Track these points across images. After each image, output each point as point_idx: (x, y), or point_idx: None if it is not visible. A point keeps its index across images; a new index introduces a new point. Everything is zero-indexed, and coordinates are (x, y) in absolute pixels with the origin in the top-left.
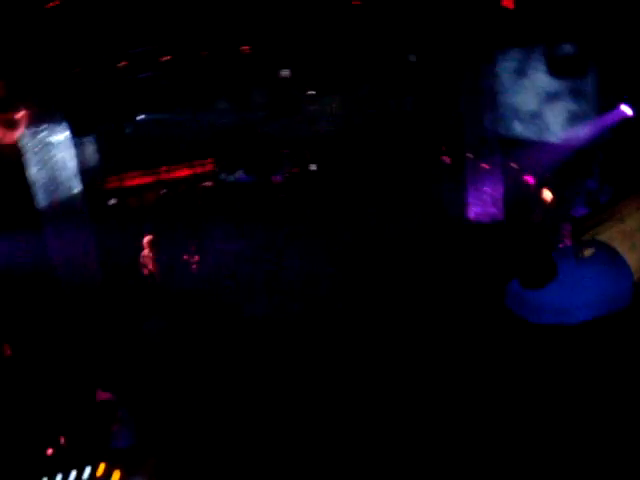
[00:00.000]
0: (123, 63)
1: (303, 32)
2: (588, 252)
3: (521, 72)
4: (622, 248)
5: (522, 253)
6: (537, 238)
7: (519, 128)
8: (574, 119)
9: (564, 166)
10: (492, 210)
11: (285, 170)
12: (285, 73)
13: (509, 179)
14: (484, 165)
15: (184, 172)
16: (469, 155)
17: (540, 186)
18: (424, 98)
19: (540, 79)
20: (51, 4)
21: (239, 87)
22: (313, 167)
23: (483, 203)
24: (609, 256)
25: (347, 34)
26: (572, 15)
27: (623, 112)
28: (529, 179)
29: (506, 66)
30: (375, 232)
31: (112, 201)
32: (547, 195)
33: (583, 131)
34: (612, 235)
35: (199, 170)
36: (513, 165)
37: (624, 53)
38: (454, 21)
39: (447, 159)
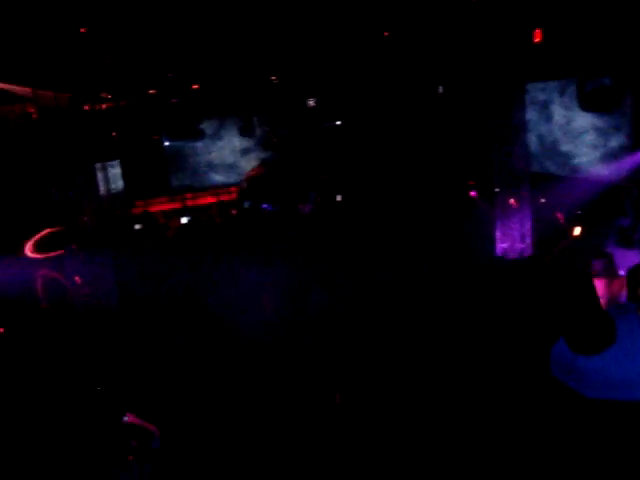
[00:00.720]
0: (152, 91)
1: (331, 62)
2: None
3: (552, 106)
4: None
5: (570, 307)
6: (585, 286)
7: (549, 163)
8: (607, 154)
9: (596, 202)
10: (520, 246)
11: (312, 200)
12: (311, 103)
13: (538, 215)
14: (512, 200)
15: (209, 199)
16: (497, 190)
17: (570, 222)
18: (452, 131)
19: (570, 113)
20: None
21: (266, 114)
22: (338, 198)
23: (511, 239)
24: None
25: (376, 64)
26: (605, 47)
27: None
28: (559, 215)
29: (537, 99)
30: (404, 269)
31: (137, 226)
32: (577, 231)
33: (617, 166)
34: None
35: (225, 198)
36: (542, 200)
37: None
38: (484, 53)
39: (475, 193)
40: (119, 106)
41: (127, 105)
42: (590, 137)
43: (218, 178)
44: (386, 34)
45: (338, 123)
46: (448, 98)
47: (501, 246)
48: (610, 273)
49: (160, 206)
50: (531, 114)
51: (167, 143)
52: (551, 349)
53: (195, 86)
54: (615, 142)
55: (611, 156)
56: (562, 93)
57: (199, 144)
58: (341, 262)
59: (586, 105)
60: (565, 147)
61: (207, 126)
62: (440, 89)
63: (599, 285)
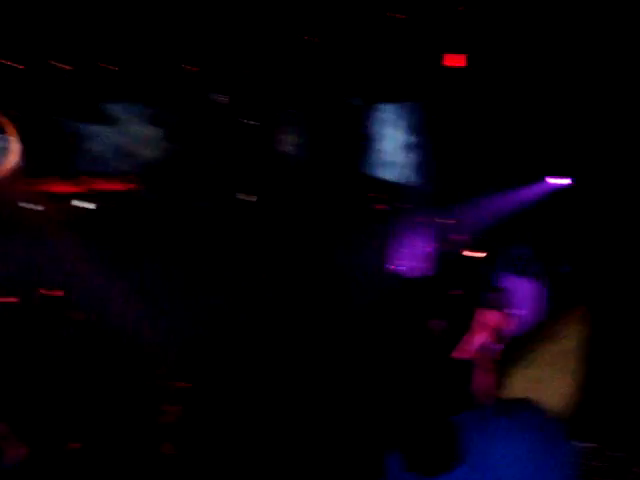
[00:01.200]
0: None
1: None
2: None
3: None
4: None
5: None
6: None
7: (453, 183)
8: (511, 180)
9: (497, 228)
10: (420, 265)
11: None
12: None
13: (440, 235)
14: (417, 218)
15: (113, 186)
16: (400, 205)
17: (470, 246)
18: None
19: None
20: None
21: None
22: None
23: (413, 257)
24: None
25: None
26: None
27: (558, 183)
28: (459, 238)
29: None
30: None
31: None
32: (476, 256)
33: (520, 194)
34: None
35: (126, 186)
36: (446, 221)
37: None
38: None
39: (378, 207)
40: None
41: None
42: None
43: (118, 165)
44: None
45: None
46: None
47: (401, 263)
48: (503, 305)
49: (57, 187)
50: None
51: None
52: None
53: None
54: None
55: (515, 182)
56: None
57: (103, 128)
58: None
59: None
60: (471, 168)
61: (113, 110)
62: (357, 101)
63: (491, 317)
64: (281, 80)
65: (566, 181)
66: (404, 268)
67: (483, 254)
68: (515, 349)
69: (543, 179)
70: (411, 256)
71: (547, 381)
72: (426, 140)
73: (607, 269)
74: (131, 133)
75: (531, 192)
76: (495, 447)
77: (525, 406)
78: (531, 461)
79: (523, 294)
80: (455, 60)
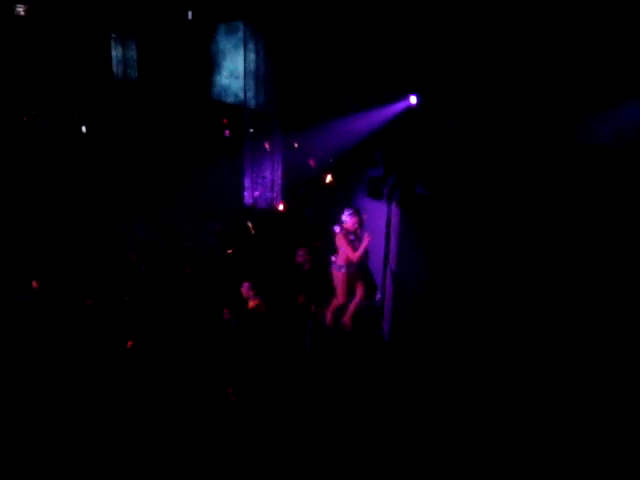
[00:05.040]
0: None
1: None
2: None
3: None
4: None
5: None
6: None
7: (300, 108)
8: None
9: (348, 152)
10: (270, 195)
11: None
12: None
13: (288, 161)
14: (265, 144)
15: None
16: (250, 130)
17: (322, 171)
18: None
19: None
20: None
21: None
22: (83, 129)
23: (262, 187)
24: None
25: None
26: None
27: (408, 102)
28: (311, 162)
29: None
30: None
31: None
32: (328, 179)
33: (369, 118)
34: None
35: None
36: (295, 145)
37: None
38: None
39: (228, 133)
40: None
41: None
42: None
43: None
44: None
45: None
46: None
47: (251, 194)
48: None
49: None
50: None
51: None
52: None
53: None
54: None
55: (365, 108)
56: None
57: None
58: None
59: None
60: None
61: None
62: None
63: (342, 241)
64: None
65: (414, 99)
66: (257, 196)
67: (331, 177)
68: None
69: (394, 100)
70: (262, 185)
71: None
72: (273, 62)
73: (461, 192)
74: None
75: (382, 113)
76: None
77: None
78: None
79: (378, 215)
80: None
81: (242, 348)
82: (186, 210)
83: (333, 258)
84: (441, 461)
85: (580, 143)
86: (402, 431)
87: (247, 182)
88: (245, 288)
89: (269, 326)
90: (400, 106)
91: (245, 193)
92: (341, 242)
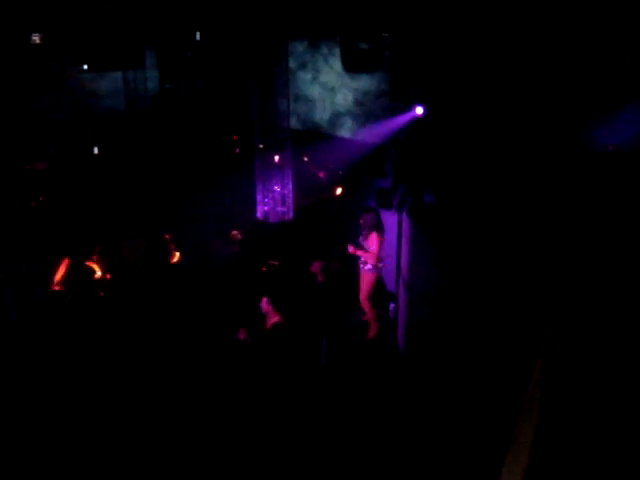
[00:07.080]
0: None
1: None
2: None
3: (315, 66)
4: None
5: None
6: None
7: (312, 122)
8: (368, 117)
9: (356, 163)
10: (281, 209)
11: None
12: (35, 38)
13: (299, 173)
14: (275, 158)
15: None
16: (260, 146)
17: (332, 182)
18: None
19: (333, 75)
20: None
21: None
22: (95, 150)
23: (273, 201)
24: None
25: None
26: (368, 12)
27: (415, 112)
28: (321, 174)
29: (300, 59)
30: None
31: None
32: (338, 191)
33: (377, 129)
34: None
35: None
36: (305, 159)
37: (415, 52)
38: (246, 7)
39: (238, 150)
40: None
41: None
42: (352, 99)
43: None
44: None
45: (85, 67)
46: (208, 46)
47: (262, 209)
48: (380, 226)
49: None
50: (295, 73)
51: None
52: None
53: None
54: (374, 105)
55: (372, 119)
56: (325, 55)
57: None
58: None
59: (349, 67)
60: (326, 106)
61: None
62: (197, 36)
63: (374, 240)
64: None
65: (420, 110)
66: (267, 210)
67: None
68: None
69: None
70: (273, 199)
71: None
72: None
73: (470, 200)
74: None
75: (390, 124)
76: None
77: None
78: None
79: (387, 223)
80: None
81: (259, 371)
82: (199, 227)
83: (362, 259)
84: (457, 472)
85: (590, 151)
86: (418, 443)
87: (259, 196)
88: (264, 303)
89: (288, 345)
90: (406, 117)
91: (257, 207)
92: (374, 242)
